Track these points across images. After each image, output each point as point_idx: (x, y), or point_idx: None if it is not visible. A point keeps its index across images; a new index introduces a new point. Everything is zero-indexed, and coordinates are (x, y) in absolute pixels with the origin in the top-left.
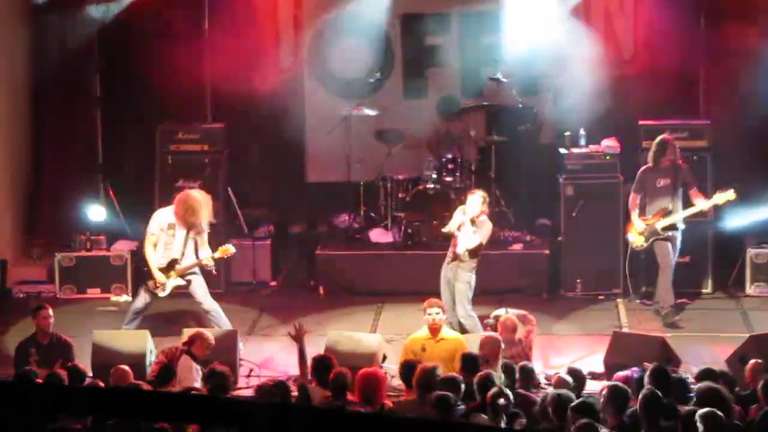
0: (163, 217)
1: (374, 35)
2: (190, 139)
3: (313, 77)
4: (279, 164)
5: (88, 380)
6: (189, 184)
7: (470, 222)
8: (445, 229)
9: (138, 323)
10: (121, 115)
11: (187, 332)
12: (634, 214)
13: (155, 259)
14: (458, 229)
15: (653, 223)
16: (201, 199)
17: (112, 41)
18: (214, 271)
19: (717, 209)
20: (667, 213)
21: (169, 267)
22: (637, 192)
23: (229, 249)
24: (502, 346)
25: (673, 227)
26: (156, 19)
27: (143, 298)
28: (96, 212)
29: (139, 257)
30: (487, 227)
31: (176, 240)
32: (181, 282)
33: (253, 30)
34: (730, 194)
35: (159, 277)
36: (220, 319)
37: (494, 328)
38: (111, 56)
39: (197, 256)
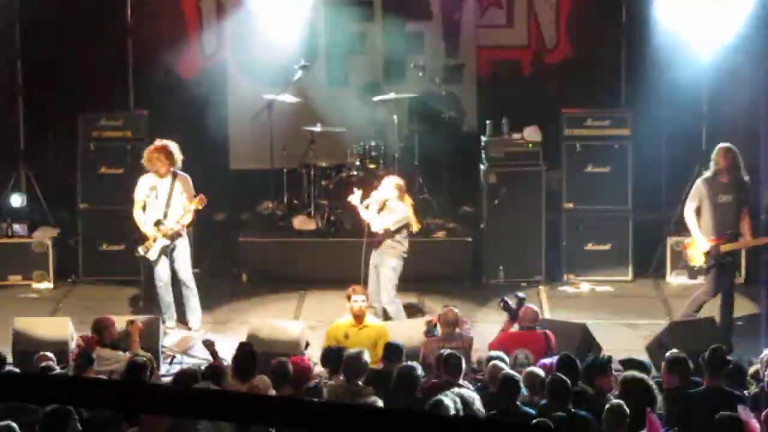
0: (145, 181)
1: (298, 22)
2: (113, 126)
3: (237, 64)
4: (202, 151)
5: (8, 368)
6: (112, 172)
7: (377, 204)
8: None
9: (169, 293)
10: (43, 101)
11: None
12: (697, 230)
13: (143, 220)
14: (365, 207)
15: (718, 246)
16: (166, 145)
17: (34, 28)
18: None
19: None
20: (733, 236)
21: (155, 227)
22: (693, 203)
23: (203, 198)
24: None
25: (734, 254)
26: (78, 4)
27: (157, 268)
28: (17, 199)
29: (63, 245)
30: (396, 212)
31: (159, 202)
32: (167, 242)
33: (176, 16)
34: None
35: (149, 231)
36: (191, 299)
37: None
38: (33, 43)
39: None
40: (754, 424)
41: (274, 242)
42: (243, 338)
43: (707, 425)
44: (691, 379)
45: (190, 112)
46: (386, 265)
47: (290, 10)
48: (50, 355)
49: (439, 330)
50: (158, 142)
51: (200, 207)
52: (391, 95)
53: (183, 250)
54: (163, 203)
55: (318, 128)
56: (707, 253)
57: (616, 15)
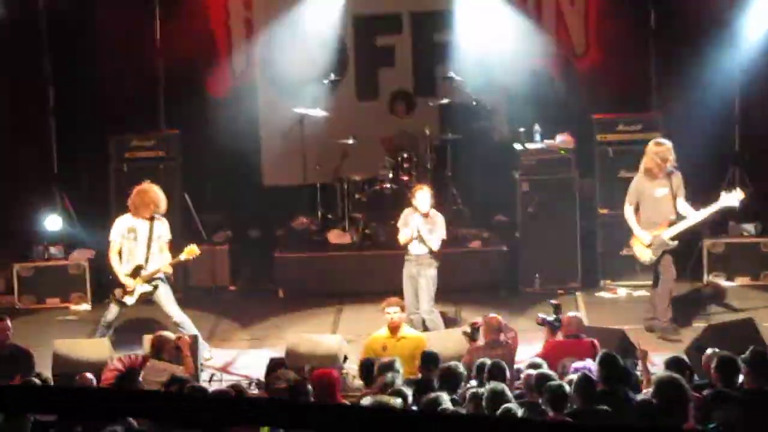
0: (121, 222)
1: (326, 37)
2: (145, 146)
3: (267, 81)
4: (235, 169)
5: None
6: None
7: (424, 217)
8: (403, 240)
9: (110, 336)
10: (76, 123)
11: (148, 338)
12: (636, 227)
13: (120, 266)
14: (418, 232)
15: (659, 234)
16: (153, 188)
17: (64, 50)
18: (170, 278)
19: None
20: (671, 222)
21: (135, 273)
22: (631, 203)
23: (194, 249)
24: None
25: (678, 237)
26: (108, 25)
27: (113, 309)
28: (53, 222)
29: (100, 266)
30: (441, 220)
31: (139, 245)
32: (148, 288)
33: (206, 35)
34: (738, 194)
35: (127, 282)
36: (189, 330)
37: (470, 336)
38: (63, 65)
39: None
40: None
41: (309, 257)
42: (281, 354)
43: (750, 427)
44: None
45: (221, 131)
46: (425, 276)
47: (318, 26)
48: (90, 376)
49: (482, 335)
50: (144, 186)
51: (190, 258)
52: (423, 105)
53: (165, 292)
54: (144, 246)
55: (350, 141)
56: (649, 246)
57: (644, 18)
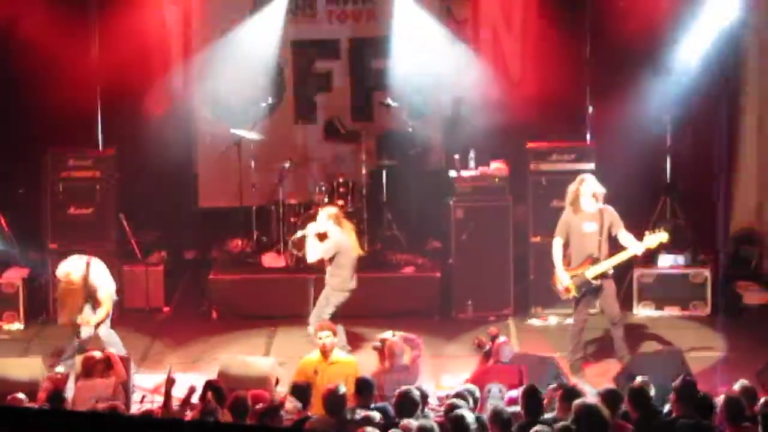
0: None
1: (265, 61)
2: (81, 165)
3: (204, 103)
4: (171, 190)
5: None
6: (81, 212)
7: (314, 237)
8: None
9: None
10: (11, 141)
11: (79, 359)
12: (559, 266)
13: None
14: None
15: (581, 273)
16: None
17: (0, 65)
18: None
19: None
20: (595, 260)
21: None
22: (561, 237)
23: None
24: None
25: (604, 275)
26: (45, 42)
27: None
28: None
29: (34, 285)
30: (330, 240)
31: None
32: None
33: (144, 55)
34: (662, 236)
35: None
36: (118, 351)
37: (381, 351)
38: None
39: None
40: None
41: (243, 279)
42: (214, 375)
43: None
44: (654, 408)
45: (158, 150)
46: (324, 292)
47: (257, 49)
48: (22, 396)
49: (386, 358)
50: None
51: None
52: (358, 131)
53: (107, 338)
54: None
55: (287, 165)
56: (570, 287)
57: (580, 49)
